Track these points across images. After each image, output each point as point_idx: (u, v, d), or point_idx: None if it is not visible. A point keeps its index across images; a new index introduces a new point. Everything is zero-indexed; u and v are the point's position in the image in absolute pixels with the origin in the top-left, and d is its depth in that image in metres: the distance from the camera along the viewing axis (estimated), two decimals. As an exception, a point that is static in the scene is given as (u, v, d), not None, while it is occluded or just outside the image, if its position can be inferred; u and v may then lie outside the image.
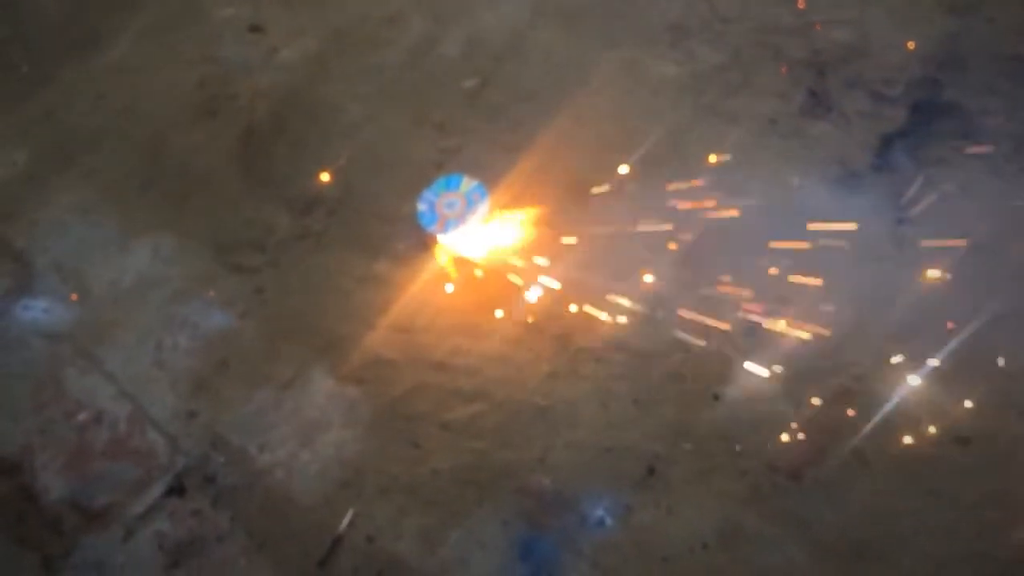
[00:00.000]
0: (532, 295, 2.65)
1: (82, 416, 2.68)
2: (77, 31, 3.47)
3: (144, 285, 2.90)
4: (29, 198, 3.12)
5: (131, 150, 3.19)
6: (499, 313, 2.65)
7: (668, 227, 2.67)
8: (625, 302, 2.59)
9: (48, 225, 3.05)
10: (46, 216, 3.07)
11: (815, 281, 2.52)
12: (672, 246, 2.65)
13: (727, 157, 2.78)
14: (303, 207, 2.95)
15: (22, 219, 3.08)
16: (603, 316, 2.59)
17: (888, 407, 2.35)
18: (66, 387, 2.74)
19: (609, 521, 2.33)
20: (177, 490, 2.56)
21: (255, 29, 3.36)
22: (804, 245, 2.55)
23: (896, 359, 2.41)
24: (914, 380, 2.37)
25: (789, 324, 2.49)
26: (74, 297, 2.88)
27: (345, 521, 2.44)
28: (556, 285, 2.65)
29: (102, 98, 3.33)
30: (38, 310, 2.88)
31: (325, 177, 2.97)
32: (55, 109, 3.33)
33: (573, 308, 2.62)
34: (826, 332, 2.46)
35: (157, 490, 2.56)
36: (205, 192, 3.05)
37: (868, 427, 2.33)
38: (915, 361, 2.40)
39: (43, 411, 2.70)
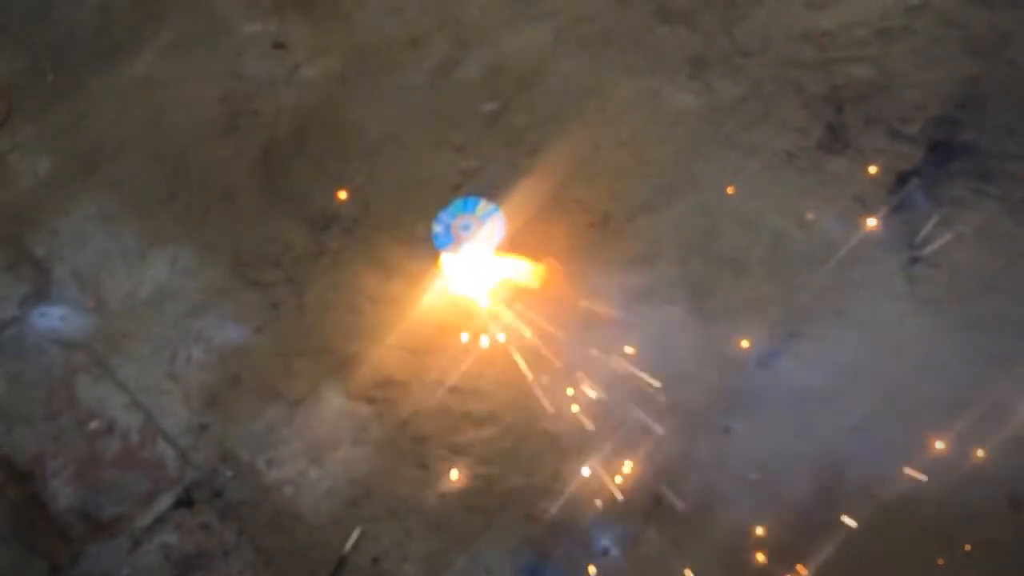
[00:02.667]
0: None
1: (94, 425, 2.70)
2: (104, 43, 3.51)
3: (161, 297, 2.92)
4: (51, 207, 3.16)
5: (153, 162, 3.22)
6: (502, 338, 2.66)
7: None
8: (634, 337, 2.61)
9: (68, 234, 3.09)
10: (67, 225, 3.10)
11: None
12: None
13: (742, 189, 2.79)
14: (321, 224, 2.97)
15: (43, 227, 3.11)
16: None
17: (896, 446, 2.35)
18: (79, 395, 2.76)
19: (615, 551, 2.33)
20: (186, 503, 2.57)
21: (279, 46, 3.40)
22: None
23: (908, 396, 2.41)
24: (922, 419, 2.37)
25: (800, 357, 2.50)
26: (92, 305, 2.91)
27: (351, 541, 2.45)
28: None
29: (126, 110, 3.37)
30: (55, 318, 2.91)
31: (343, 195, 3.00)
32: (79, 119, 3.36)
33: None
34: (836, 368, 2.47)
35: (165, 502, 2.58)
36: (224, 206, 3.08)
37: (875, 465, 2.33)
38: (924, 401, 2.40)
39: (56, 418, 2.73)
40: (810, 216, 2.73)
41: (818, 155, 2.86)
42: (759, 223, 2.74)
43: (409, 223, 2.89)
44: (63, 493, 2.62)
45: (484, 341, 2.65)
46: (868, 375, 2.46)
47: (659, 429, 2.46)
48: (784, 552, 2.29)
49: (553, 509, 2.40)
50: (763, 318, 2.58)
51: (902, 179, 2.78)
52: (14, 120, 3.40)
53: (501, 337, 2.64)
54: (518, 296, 2.71)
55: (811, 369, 2.49)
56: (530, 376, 2.57)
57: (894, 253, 2.64)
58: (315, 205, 3.02)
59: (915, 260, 2.62)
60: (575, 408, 2.52)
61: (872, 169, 2.79)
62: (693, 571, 2.30)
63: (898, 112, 2.90)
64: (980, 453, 2.31)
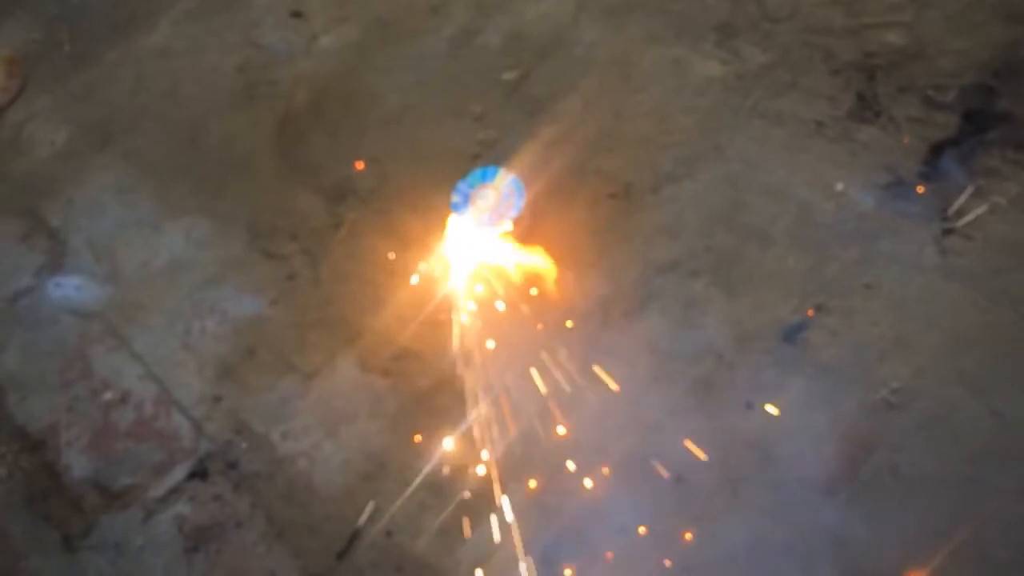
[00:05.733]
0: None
1: (108, 395, 2.68)
2: (120, 13, 3.49)
3: (176, 268, 2.89)
4: (67, 177, 3.14)
5: (170, 133, 3.19)
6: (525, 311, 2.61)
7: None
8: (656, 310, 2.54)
9: (84, 204, 3.07)
10: (82, 195, 3.08)
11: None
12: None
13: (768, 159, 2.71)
14: (337, 195, 2.92)
15: (59, 197, 3.09)
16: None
17: (925, 422, 2.27)
18: (94, 366, 2.74)
19: (633, 528, 2.27)
20: (199, 474, 2.55)
21: (296, 15, 3.35)
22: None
23: (940, 371, 2.33)
24: (954, 395, 2.29)
25: (828, 330, 2.42)
26: (106, 275, 2.89)
27: (365, 514, 2.41)
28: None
29: (143, 80, 3.34)
30: (70, 288, 2.89)
31: (360, 166, 2.95)
32: (96, 89, 3.34)
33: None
34: (866, 341, 2.39)
35: (179, 473, 2.56)
36: (240, 177, 3.04)
37: (905, 442, 2.26)
38: (956, 375, 2.32)
39: (70, 388, 2.71)
40: (839, 187, 2.64)
41: (848, 124, 2.77)
42: (786, 194, 2.66)
43: (427, 194, 2.83)
44: (77, 463, 2.60)
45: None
46: (897, 350, 2.38)
47: (680, 404, 2.40)
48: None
49: (570, 483, 2.35)
50: (789, 291, 2.50)
51: (935, 149, 2.68)
52: (30, 91, 3.39)
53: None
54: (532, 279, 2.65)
55: (838, 343, 2.41)
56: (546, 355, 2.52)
57: (926, 225, 2.55)
58: (332, 176, 2.97)
59: (948, 232, 2.53)
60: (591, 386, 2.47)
61: (904, 139, 2.70)
62: (713, 552, 2.24)
63: (932, 80, 2.80)
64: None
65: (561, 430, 2.42)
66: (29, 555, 2.51)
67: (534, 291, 2.63)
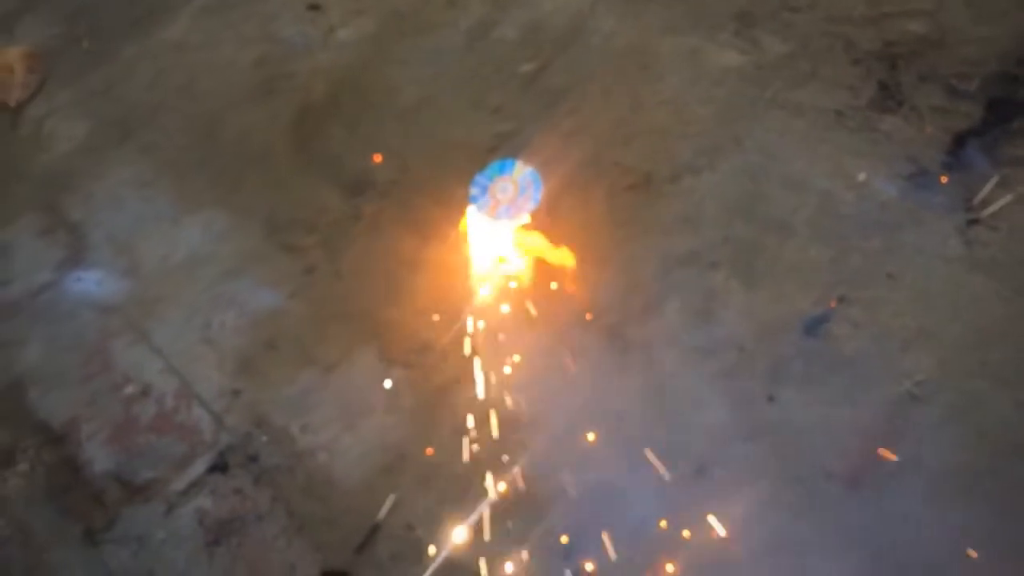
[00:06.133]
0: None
1: (129, 389, 2.69)
2: (138, 8, 3.49)
3: (195, 261, 2.90)
4: (86, 171, 3.15)
5: (188, 127, 3.20)
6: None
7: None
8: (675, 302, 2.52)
9: (104, 198, 3.07)
10: (102, 190, 3.09)
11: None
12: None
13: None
14: (356, 188, 2.92)
15: (79, 192, 3.10)
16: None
17: (949, 414, 2.25)
18: (115, 360, 2.75)
19: (655, 519, 2.26)
20: (220, 467, 2.55)
21: (313, 8, 3.35)
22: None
23: (964, 363, 2.31)
24: (978, 387, 2.26)
25: (851, 321, 2.40)
26: (126, 269, 2.89)
27: (385, 508, 2.41)
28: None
29: (161, 74, 3.35)
30: (90, 282, 2.90)
31: (379, 158, 2.94)
32: (115, 84, 3.35)
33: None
34: (889, 333, 2.37)
35: (200, 467, 2.56)
36: (259, 171, 3.04)
37: (929, 435, 2.24)
38: (980, 366, 2.30)
39: (91, 382, 2.71)
40: (862, 177, 2.62)
41: (870, 114, 2.75)
42: (806, 185, 2.64)
43: (445, 186, 2.82)
44: (98, 457, 2.61)
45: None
46: (921, 341, 2.35)
47: (701, 397, 2.38)
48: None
49: (591, 478, 2.34)
50: (811, 282, 2.48)
51: (959, 138, 2.66)
52: (50, 86, 3.39)
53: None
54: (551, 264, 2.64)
55: (861, 335, 2.39)
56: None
57: (950, 215, 2.52)
58: (350, 169, 2.97)
59: (972, 222, 2.51)
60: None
61: (927, 128, 2.67)
62: (735, 543, 2.23)
63: (954, 69, 2.77)
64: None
65: (581, 422, 2.41)
66: (52, 548, 2.52)
67: (553, 284, 2.62)
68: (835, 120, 2.74)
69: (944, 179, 2.60)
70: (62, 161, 3.18)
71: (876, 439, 2.27)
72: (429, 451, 2.44)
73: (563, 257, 2.64)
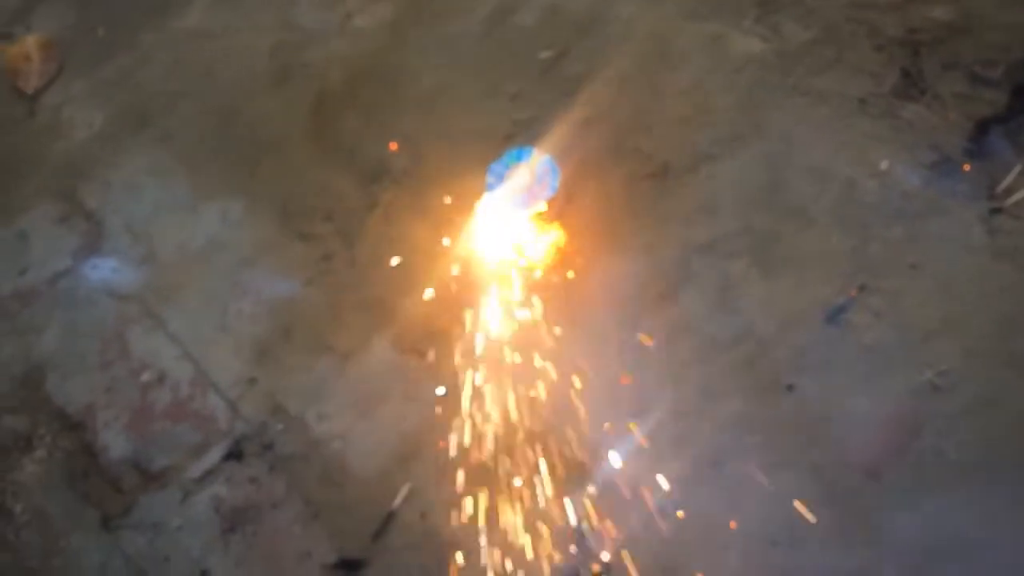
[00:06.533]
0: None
1: (146, 376, 2.70)
2: (156, -5, 3.49)
3: (212, 249, 2.90)
4: (103, 159, 3.15)
5: (205, 115, 3.19)
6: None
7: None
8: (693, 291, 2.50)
9: (121, 186, 3.08)
10: (119, 177, 3.10)
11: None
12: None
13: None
14: (372, 176, 2.91)
15: (96, 180, 3.11)
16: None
17: (973, 405, 2.22)
18: (131, 347, 2.76)
19: (672, 511, 2.24)
20: (235, 455, 2.55)
21: (330, -6, 3.33)
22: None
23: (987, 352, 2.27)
24: (1002, 377, 2.23)
25: (872, 311, 2.37)
26: (143, 257, 2.90)
27: (400, 496, 2.40)
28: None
29: (178, 63, 3.34)
30: (107, 269, 2.91)
31: (395, 146, 2.92)
32: (131, 73, 3.35)
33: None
34: (911, 323, 2.33)
35: (216, 454, 2.56)
36: (275, 158, 3.03)
37: (951, 426, 2.20)
38: (1005, 357, 2.26)
39: (108, 369, 2.72)
40: (884, 165, 2.58)
41: (892, 102, 2.70)
42: (828, 172, 2.60)
43: (462, 174, 2.80)
44: (115, 443, 2.62)
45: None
46: (944, 331, 2.32)
47: (720, 387, 2.36)
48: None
49: (607, 467, 2.33)
50: (831, 271, 2.45)
51: (983, 126, 2.61)
52: (66, 74, 3.40)
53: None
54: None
55: (883, 325, 2.36)
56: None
57: (973, 203, 2.48)
58: (366, 157, 2.96)
59: (996, 211, 2.46)
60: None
61: (950, 116, 2.63)
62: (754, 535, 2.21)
63: (979, 55, 2.72)
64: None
65: (598, 411, 2.39)
66: (69, 534, 2.53)
67: (570, 273, 2.60)
68: (857, 107, 2.70)
69: (967, 167, 2.55)
70: (79, 149, 3.19)
71: (897, 430, 2.24)
72: (443, 442, 2.43)
73: (579, 245, 2.62)
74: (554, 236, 2.64)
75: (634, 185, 2.71)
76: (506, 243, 2.67)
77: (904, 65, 2.75)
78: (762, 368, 2.37)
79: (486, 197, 2.67)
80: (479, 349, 2.54)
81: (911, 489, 2.16)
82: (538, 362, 2.49)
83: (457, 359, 2.55)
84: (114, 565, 2.49)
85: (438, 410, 2.49)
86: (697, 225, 2.60)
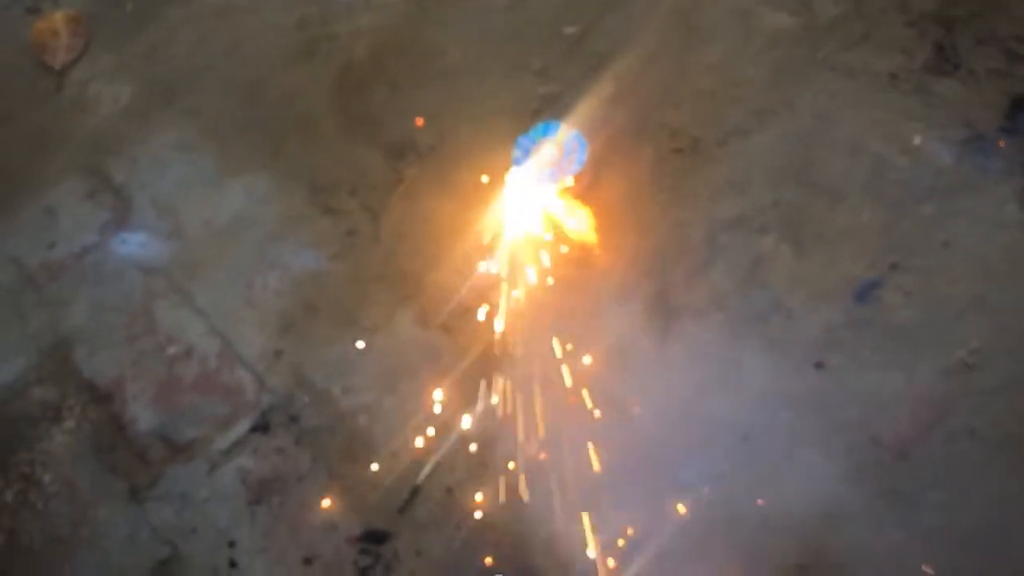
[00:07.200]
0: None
1: (173, 350, 2.71)
2: (182, -30, 3.48)
3: (238, 224, 2.90)
4: (130, 135, 3.15)
5: (231, 90, 3.18)
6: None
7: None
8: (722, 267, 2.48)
9: (148, 161, 3.08)
10: (146, 152, 3.10)
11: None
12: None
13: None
14: (398, 151, 2.89)
15: (123, 155, 3.11)
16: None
17: (1006, 383, 2.19)
18: (159, 321, 2.77)
19: (699, 487, 2.23)
20: (262, 427, 2.56)
21: (356, -31, 3.31)
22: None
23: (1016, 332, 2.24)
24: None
25: (903, 289, 2.34)
26: (170, 232, 2.91)
27: (425, 471, 2.40)
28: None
29: (204, 38, 3.33)
30: (135, 244, 2.92)
31: (420, 121, 2.91)
32: (158, 48, 3.34)
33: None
34: (943, 300, 2.30)
35: (243, 426, 2.58)
36: (301, 134, 3.03)
37: (983, 404, 2.18)
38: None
39: (136, 343, 2.74)
40: (916, 141, 2.54)
41: (925, 77, 2.66)
42: (859, 148, 2.56)
43: (487, 148, 2.78)
44: (143, 416, 2.64)
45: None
46: (976, 309, 2.29)
47: (748, 363, 2.34)
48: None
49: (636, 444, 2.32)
50: (862, 248, 2.42)
51: (1017, 102, 2.57)
52: (94, 49, 3.39)
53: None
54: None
55: (914, 302, 2.33)
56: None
57: (1007, 180, 2.44)
58: (391, 132, 2.94)
59: (1031, 188, 2.43)
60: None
61: (984, 91, 2.59)
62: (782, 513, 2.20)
63: (1014, 30, 2.67)
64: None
65: (624, 389, 2.38)
66: (97, 504, 2.55)
67: (596, 249, 2.59)
68: (889, 83, 2.66)
69: (1001, 143, 2.52)
70: (106, 124, 3.19)
71: (928, 409, 2.22)
72: (467, 415, 2.43)
73: (607, 220, 2.60)
74: (581, 211, 2.63)
75: (662, 160, 2.68)
76: (532, 218, 2.65)
77: (937, 40, 2.71)
78: (791, 345, 2.36)
79: (512, 172, 2.65)
80: (504, 325, 2.54)
81: (942, 467, 2.14)
82: (564, 338, 2.48)
83: (482, 335, 2.54)
84: (141, 536, 2.51)
85: (462, 385, 2.49)
86: (726, 201, 2.58)
